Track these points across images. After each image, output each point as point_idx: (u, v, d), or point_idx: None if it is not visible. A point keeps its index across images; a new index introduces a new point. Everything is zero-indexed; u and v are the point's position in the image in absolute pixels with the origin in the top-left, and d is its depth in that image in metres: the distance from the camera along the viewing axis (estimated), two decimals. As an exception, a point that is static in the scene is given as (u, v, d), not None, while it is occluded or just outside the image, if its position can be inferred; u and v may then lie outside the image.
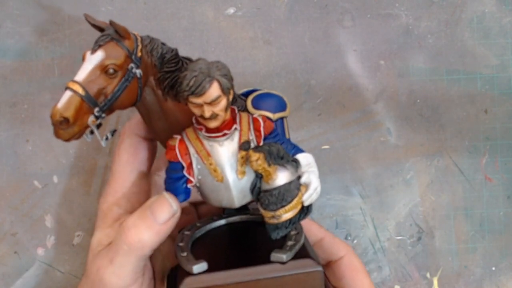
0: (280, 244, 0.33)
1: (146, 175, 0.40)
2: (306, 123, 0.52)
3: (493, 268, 0.53)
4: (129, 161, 0.39)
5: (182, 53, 0.53)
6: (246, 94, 0.41)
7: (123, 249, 0.33)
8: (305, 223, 0.39)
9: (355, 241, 0.53)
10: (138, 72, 0.34)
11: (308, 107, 0.52)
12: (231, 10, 0.52)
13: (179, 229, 0.38)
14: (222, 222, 0.39)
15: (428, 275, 0.53)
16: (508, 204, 0.53)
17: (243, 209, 0.38)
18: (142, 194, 0.40)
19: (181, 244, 0.35)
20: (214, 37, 0.52)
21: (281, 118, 0.40)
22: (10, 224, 0.51)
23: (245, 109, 0.39)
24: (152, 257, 0.39)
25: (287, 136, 0.41)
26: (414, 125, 0.53)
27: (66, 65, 0.51)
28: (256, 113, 0.38)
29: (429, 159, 0.53)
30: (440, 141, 0.53)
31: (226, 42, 0.52)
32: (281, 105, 0.41)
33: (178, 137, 0.35)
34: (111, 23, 0.34)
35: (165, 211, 0.34)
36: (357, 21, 0.53)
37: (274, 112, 0.40)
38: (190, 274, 0.32)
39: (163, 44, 0.36)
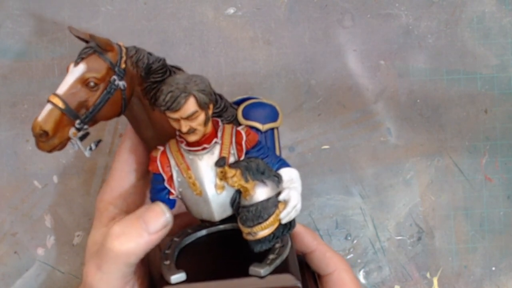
0: (263, 257, 0.33)
1: (145, 177, 0.40)
2: (306, 123, 0.52)
3: (493, 268, 0.53)
4: (128, 161, 0.40)
5: (182, 53, 0.53)
6: (240, 102, 0.40)
7: (109, 256, 0.33)
8: (299, 233, 0.39)
9: (355, 241, 0.53)
10: (122, 83, 0.34)
11: (308, 107, 0.52)
12: (231, 10, 0.52)
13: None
14: (213, 229, 0.38)
15: (428, 275, 0.53)
16: (508, 204, 0.53)
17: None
18: (139, 195, 0.40)
19: (167, 251, 0.35)
20: (214, 37, 0.52)
21: (272, 129, 0.40)
22: (10, 224, 0.51)
23: (236, 119, 0.39)
24: (152, 257, 0.39)
25: (276, 147, 0.40)
26: (414, 125, 0.53)
27: (66, 65, 0.50)
28: (246, 124, 0.38)
29: (429, 159, 0.53)
30: (440, 141, 0.53)
31: (226, 42, 0.52)
32: (272, 116, 0.40)
33: (161, 148, 0.36)
34: (91, 37, 0.34)
35: (158, 221, 0.34)
36: (357, 21, 0.53)
37: (263, 123, 0.39)
38: (168, 283, 0.32)
39: (149, 54, 0.36)
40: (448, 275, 0.53)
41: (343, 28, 0.53)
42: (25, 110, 0.51)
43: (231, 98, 0.41)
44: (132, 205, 0.40)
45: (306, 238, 0.40)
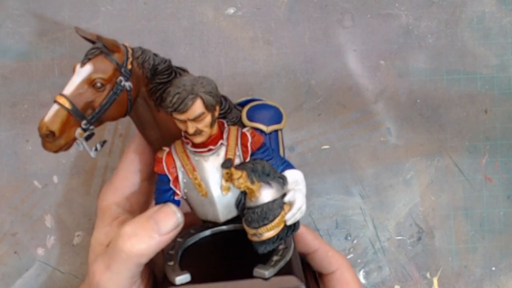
0: (266, 258, 0.33)
1: (149, 178, 0.40)
2: (306, 123, 0.52)
3: (493, 268, 0.53)
4: (134, 161, 0.40)
5: (182, 53, 0.53)
6: (244, 104, 0.41)
7: (120, 257, 0.33)
8: (300, 232, 0.39)
9: (355, 241, 0.53)
10: (128, 84, 0.34)
11: (308, 107, 0.52)
12: (231, 10, 0.52)
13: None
14: (216, 229, 0.38)
15: (428, 275, 0.53)
16: (508, 204, 0.53)
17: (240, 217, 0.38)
18: (143, 196, 0.40)
19: (171, 252, 0.35)
20: (214, 37, 0.52)
21: (276, 131, 0.40)
22: (10, 224, 0.51)
23: (240, 120, 0.39)
24: (155, 257, 0.39)
25: (280, 149, 0.40)
26: (414, 125, 0.53)
27: (66, 65, 0.51)
28: (250, 125, 0.38)
29: (429, 159, 0.53)
30: (440, 141, 0.53)
31: (226, 42, 0.52)
32: (276, 117, 0.40)
33: (167, 149, 0.36)
34: (98, 38, 0.34)
35: (169, 222, 0.34)
36: (357, 21, 0.53)
37: (268, 124, 0.39)
38: (172, 284, 0.32)
39: (155, 55, 0.36)
40: (448, 275, 0.53)
41: (343, 28, 0.53)
42: (25, 110, 0.51)
43: (232, 98, 0.41)
44: (135, 205, 0.40)
45: (308, 238, 0.40)
